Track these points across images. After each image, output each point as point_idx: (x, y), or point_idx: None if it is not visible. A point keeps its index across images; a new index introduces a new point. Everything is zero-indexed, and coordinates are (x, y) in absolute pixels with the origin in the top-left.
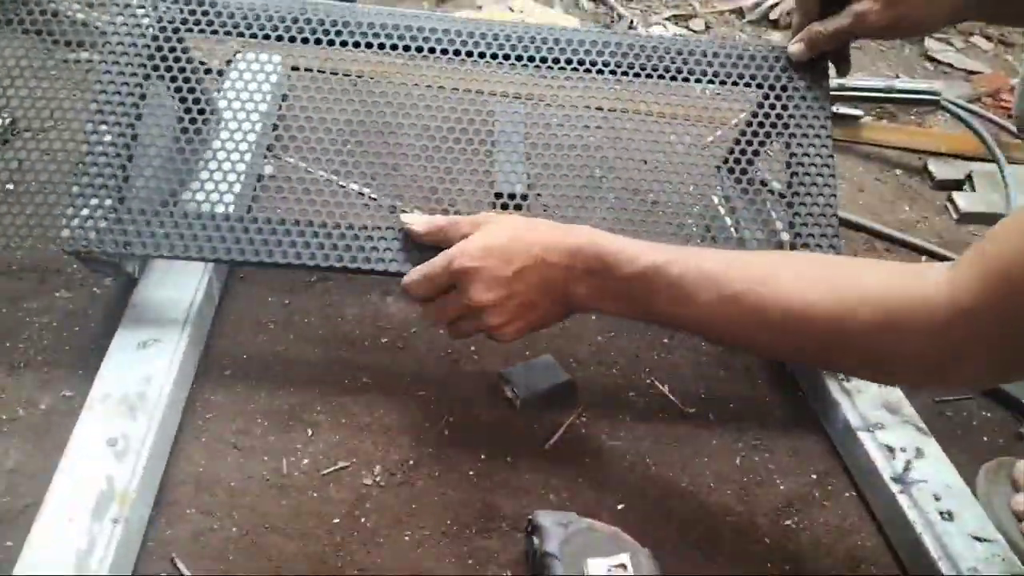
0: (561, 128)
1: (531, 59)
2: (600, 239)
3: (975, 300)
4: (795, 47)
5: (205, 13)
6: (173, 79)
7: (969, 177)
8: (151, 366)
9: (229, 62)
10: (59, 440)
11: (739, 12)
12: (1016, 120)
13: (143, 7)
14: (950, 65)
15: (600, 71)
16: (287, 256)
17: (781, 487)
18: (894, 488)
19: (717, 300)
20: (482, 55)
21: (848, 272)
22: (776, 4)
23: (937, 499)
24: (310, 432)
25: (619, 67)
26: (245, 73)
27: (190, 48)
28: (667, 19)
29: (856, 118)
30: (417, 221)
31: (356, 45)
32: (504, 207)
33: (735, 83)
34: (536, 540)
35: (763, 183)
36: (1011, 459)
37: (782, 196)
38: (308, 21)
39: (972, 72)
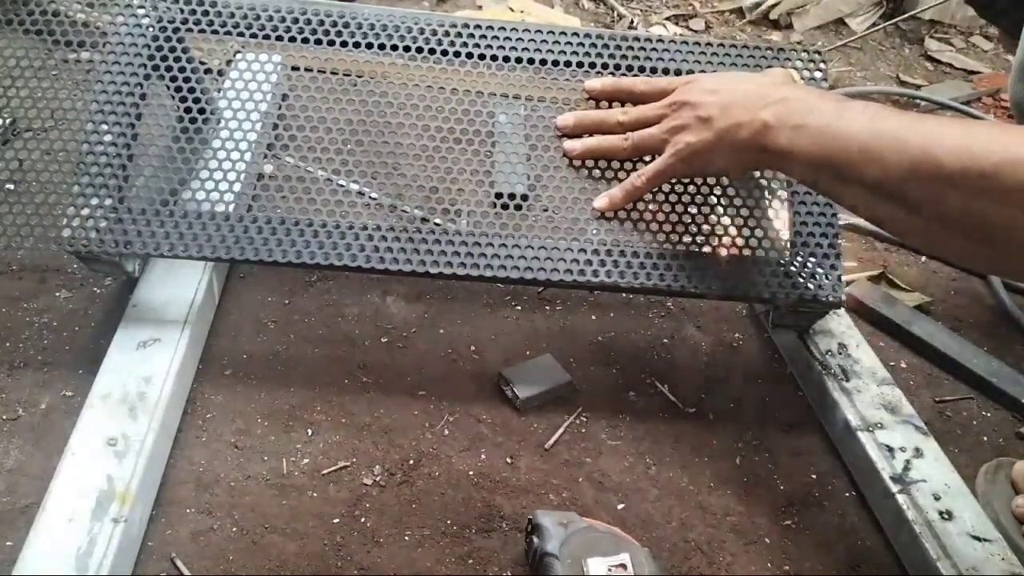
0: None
1: (531, 59)
2: None
3: None
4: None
5: (205, 13)
6: (173, 79)
7: None
8: (151, 366)
9: (229, 62)
10: (59, 440)
11: (739, 12)
12: (1013, 106)
13: (143, 7)
14: (950, 65)
15: (600, 71)
16: (287, 256)
17: (781, 487)
18: (894, 488)
19: (909, 120)
20: (482, 55)
21: None
22: (776, 4)
23: (937, 499)
24: (310, 432)
25: (619, 67)
26: (245, 73)
27: (190, 48)
28: (667, 19)
29: None
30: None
31: (356, 45)
32: (504, 207)
33: None
34: (536, 540)
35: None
36: (1010, 459)
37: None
38: (308, 21)
39: (972, 72)
